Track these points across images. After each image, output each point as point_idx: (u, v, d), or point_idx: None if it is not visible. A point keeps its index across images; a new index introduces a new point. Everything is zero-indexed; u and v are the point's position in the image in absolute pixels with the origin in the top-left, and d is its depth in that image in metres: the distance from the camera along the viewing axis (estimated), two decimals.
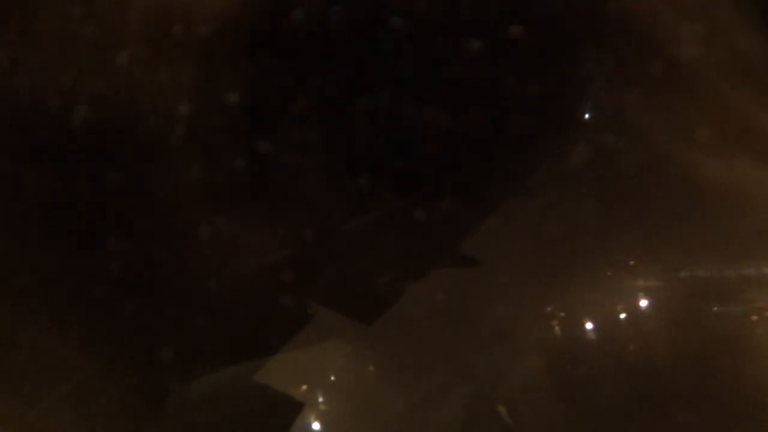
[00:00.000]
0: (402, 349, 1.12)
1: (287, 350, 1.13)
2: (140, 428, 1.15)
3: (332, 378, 1.13)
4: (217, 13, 1.12)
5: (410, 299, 1.12)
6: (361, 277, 1.14)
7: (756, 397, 1.05)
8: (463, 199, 1.13)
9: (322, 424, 1.12)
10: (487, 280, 1.13)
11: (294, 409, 1.11)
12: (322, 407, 1.12)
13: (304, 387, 1.12)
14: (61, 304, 1.15)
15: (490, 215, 1.13)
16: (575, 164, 1.12)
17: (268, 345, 1.13)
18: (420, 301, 1.12)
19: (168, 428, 1.14)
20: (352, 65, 1.13)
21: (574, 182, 1.12)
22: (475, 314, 1.11)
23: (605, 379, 1.07)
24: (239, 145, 1.14)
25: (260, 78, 1.14)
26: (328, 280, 1.14)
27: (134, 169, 1.14)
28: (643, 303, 1.09)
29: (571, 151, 1.12)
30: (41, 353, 1.14)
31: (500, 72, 1.11)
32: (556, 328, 1.08)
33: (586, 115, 1.12)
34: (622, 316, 1.08)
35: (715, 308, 1.08)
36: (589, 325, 1.08)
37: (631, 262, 1.09)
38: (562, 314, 1.09)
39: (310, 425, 1.11)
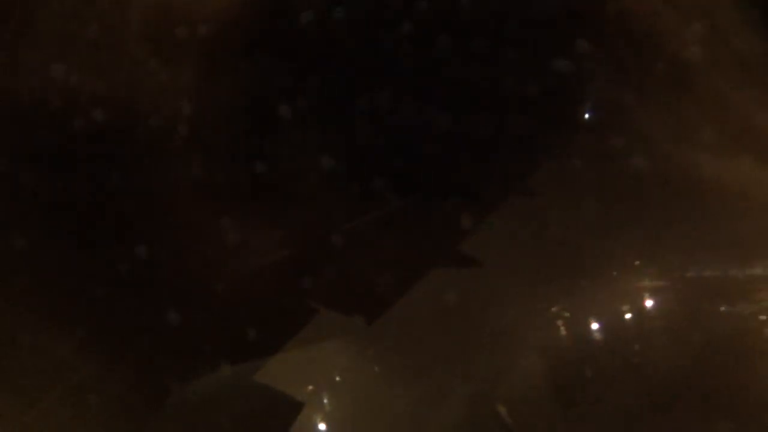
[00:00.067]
0: (402, 349, 1.12)
1: (287, 350, 1.13)
2: (140, 428, 1.15)
3: (332, 378, 1.13)
4: (217, 13, 1.12)
5: (410, 299, 1.12)
6: (361, 277, 1.14)
7: (766, 397, 1.05)
8: (463, 199, 1.13)
9: (323, 423, 1.12)
10: (488, 280, 1.13)
11: (294, 409, 1.11)
12: (322, 407, 1.12)
13: (310, 387, 1.12)
14: (61, 304, 1.15)
15: (490, 215, 1.13)
16: (575, 164, 1.12)
17: (268, 345, 1.13)
18: (420, 301, 1.12)
19: (168, 428, 1.14)
20: (352, 65, 1.13)
21: (575, 182, 1.12)
22: (475, 314, 1.11)
23: (610, 379, 1.07)
24: (239, 145, 1.14)
25: (260, 78, 1.14)
26: (328, 280, 1.14)
27: (134, 169, 1.14)
28: (649, 303, 1.09)
29: (571, 151, 1.12)
30: (41, 353, 1.14)
31: (500, 72, 1.11)
32: (562, 328, 1.08)
33: (586, 115, 1.12)
34: (628, 316, 1.08)
35: (722, 308, 1.08)
36: (594, 326, 1.08)
37: (636, 263, 1.09)
38: (567, 315, 1.09)
39: (310, 425, 1.11)
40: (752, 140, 1.11)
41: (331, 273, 1.15)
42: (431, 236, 1.14)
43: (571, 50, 1.11)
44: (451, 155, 1.13)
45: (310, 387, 1.13)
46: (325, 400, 1.12)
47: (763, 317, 1.07)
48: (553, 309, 1.09)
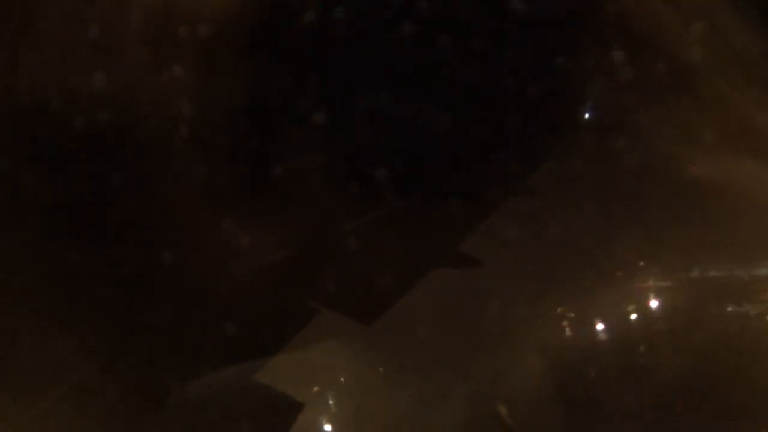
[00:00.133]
0: (402, 349, 1.12)
1: (287, 350, 1.13)
2: (140, 428, 1.15)
3: (332, 378, 1.13)
4: (217, 14, 1.12)
5: (410, 299, 1.12)
6: (361, 277, 1.14)
7: None
8: (463, 199, 1.13)
9: (323, 424, 1.12)
10: (488, 280, 1.13)
11: (294, 409, 1.11)
12: (322, 407, 1.12)
13: (312, 387, 1.12)
14: (61, 304, 1.15)
15: (490, 215, 1.13)
16: (575, 164, 1.12)
17: (268, 345, 1.13)
18: (420, 301, 1.12)
19: (168, 428, 1.14)
20: (352, 65, 1.13)
21: (575, 182, 1.12)
22: (475, 314, 1.11)
23: (613, 380, 1.07)
24: (239, 145, 1.14)
25: (260, 78, 1.14)
26: (328, 280, 1.14)
27: (135, 169, 1.14)
28: (654, 304, 1.08)
29: (572, 151, 1.12)
30: (41, 353, 1.14)
31: (500, 72, 1.11)
32: (567, 329, 1.08)
33: (586, 115, 1.12)
34: (633, 316, 1.08)
35: (729, 308, 1.08)
36: (600, 326, 1.08)
37: (641, 263, 1.09)
38: (573, 315, 1.09)
39: (310, 425, 1.11)
40: (752, 140, 1.11)
41: (331, 273, 1.15)
42: (431, 236, 1.14)
43: (571, 50, 1.11)
44: (451, 155, 1.13)
45: (311, 387, 1.13)
46: (325, 400, 1.12)
47: None
48: (559, 309, 1.09)
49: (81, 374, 1.14)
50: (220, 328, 1.13)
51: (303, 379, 1.13)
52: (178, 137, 1.13)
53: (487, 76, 1.12)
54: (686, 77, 1.11)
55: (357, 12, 1.11)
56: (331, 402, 1.12)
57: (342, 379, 1.13)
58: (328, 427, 1.12)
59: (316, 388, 1.12)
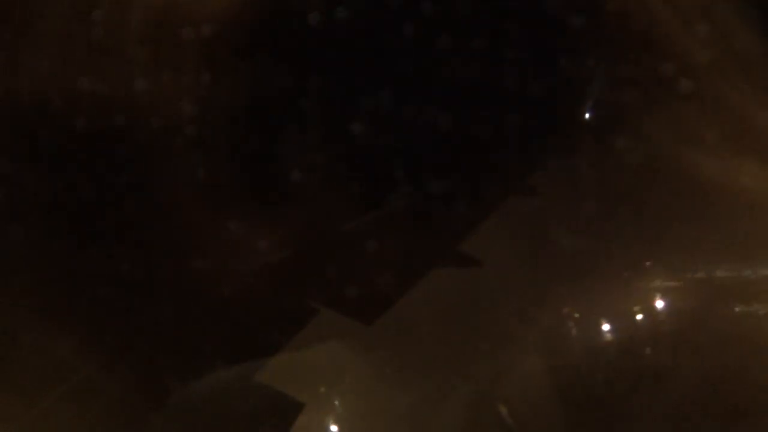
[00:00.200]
0: (402, 349, 1.12)
1: (287, 350, 1.13)
2: (140, 428, 1.15)
3: (332, 378, 1.13)
4: (217, 14, 1.12)
5: (410, 299, 1.12)
6: (361, 277, 1.14)
7: None
8: (463, 199, 1.13)
9: (323, 423, 1.12)
10: (488, 280, 1.13)
11: (294, 409, 1.11)
12: (323, 407, 1.12)
13: (313, 388, 1.12)
14: (61, 304, 1.15)
15: (490, 215, 1.13)
16: (575, 164, 1.12)
17: (268, 345, 1.13)
18: (420, 301, 1.12)
19: (168, 428, 1.14)
20: (352, 65, 1.13)
21: (575, 182, 1.12)
22: (475, 314, 1.11)
23: (617, 381, 1.07)
24: (240, 145, 1.14)
25: (260, 78, 1.13)
26: (328, 280, 1.14)
27: (135, 169, 1.14)
28: (660, 304, 1.08)
29: (572, 151, 1.12)
30: (41, 353, 1.14)
31: (501, 72, 1.11)
32: (571, 329, 1.08)
33: (586, 115, 1.12)
34: (639, 317, 1.08)
35: (738, 309, 1.07)
36: (605, 327, 1.08)
37: (647, 263, 1.09)
38: (577, 315, 1.09)
39: (310, 425, 1.11)
40: (753, 140, 1.11)
41: (331, 273, 1.15)
42: (431, 236, 1.14)
43: (571, 50, 1.11)
44: (452, 155, 1.13)
45: (312, 387, 1.13)
46: (326, 400, 1.12)
47: None
48: (564, 310, 1.09)
49: (81, 374, 1.14)
50: (220, 328, 1.13)
51: (303, 379, 1.13)
52: (178, 137, 1.12)
53: (487, 76, 1.12)
54: (686, 77, 1.11)
55: (357, 12, 1.11)
56: (331, 402, 1.12)
57: (342, 379, 1.13)
58: (328, 427, 1.12)
59: (316, 388, 1.12)
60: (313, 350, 1.13)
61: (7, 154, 1.15)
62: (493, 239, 1.12)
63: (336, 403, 1.12)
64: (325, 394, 1.12)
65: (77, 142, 1.13)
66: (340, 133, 1.14)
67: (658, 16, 1.12)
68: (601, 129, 1.12)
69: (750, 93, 1.12)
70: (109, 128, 1.12)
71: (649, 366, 1.07)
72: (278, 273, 1.14)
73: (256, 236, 1.14)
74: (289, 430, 1.11)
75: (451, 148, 1.13)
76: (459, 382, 1.10)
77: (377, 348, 1.13)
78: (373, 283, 1.13)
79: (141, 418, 1.14)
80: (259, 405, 1.12)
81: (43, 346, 1.14)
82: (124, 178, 1.13)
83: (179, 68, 1.13)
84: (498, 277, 1.12)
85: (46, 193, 1.16)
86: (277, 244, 1.15)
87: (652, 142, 1.11)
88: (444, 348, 1.11)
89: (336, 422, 1.12)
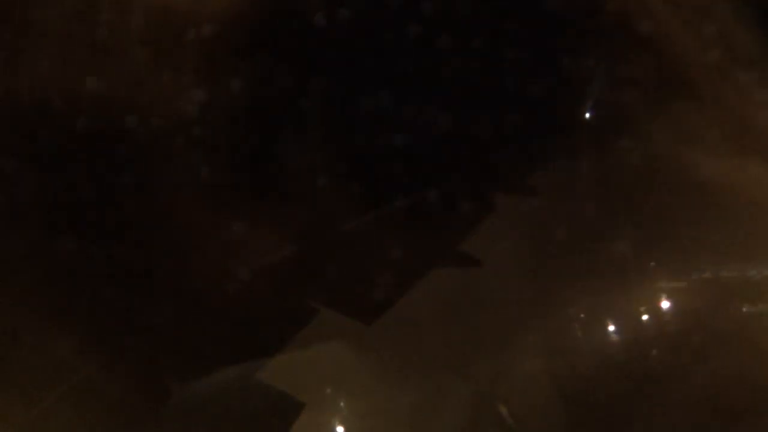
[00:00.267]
0: (402, 349, 1.12)
1: (287, 350, 1.13)
2: (140, 428, 1.15)
3: (332, 378, 1.13)
4: (217, 14, 1.12)
5: (410, 299, 1.12)
6: (361, 277, 1.14)
7: None
8: (463, 199, 1.13)
9: (323, 423, 1.12)
10: (488, 280, 1.13)
11: (295, 409, 1.11)
12: (323, 407, 1.12)
13: (316, 388, 1.12)
14: (61, 304, 1.15)
15: (490, 215, 1.13)
16: (575, 164, 1.12)
17: (268, 345, 1.13)
18: (420, 301, 1.12)
19: (168, 428, 1.14)
20: (352, 66, 1.14)
21: (575, 182, 1.12)
22: (475, 314, 1.11)
23: (620, 381, 1.07)
24: (240, 145, 1.14)
25: (260, 78, 1.14)
26: (329, 280, 1.14)
27: (135, 169, 1.14)
28: (666, 305, 1.08)
29: (572, 151, 1.12)
30: (41, 353, 1.14)
31: (501, 72, 1.12)
32: (575, 329, 1.08)
33: (587, 115, 1.12)
34: (644, 318, 1.08)
35: (744, 309, 1.07)
36: (611, 327, 1.08)
37: (652, 264, 1.09)
38: (582, 316, 1.09)
39: (310, 425, 1.11)
40: (753, 140, 1.11)
41: (331, 273, 1.15)
42: (431, 236, 1.14)
43: (571, 50, 1.11)
44: (452, 155, 1.13)
45: (312, 387, 1.13)
46: (326, 400, 1.12)
47: None
48: (568, 310, 1.09)
49: (81, 374, 1.14)
50: (220, 328, 1.13)
51: (303, 379, 1.13)
52: (179, 137, 1.13)
53: (487, 76, 1.12)
54: (687, 77, 1.11)
55: (358, 12, 1.11)
56: (331, 402, 1.12)
57: (342, 379, 1.13)
58: (328, 426, 1.12)
59: (316, 388, 1.12)
60: (313, 350, 1.13)
61: (8, 154, 1.15)
62: (493, 239, 1.12)
63: (336, 403, 1.12)
64: (325, 394, 1.12)
65: (78, 142, 1.13)
66: (340, 133, 1.14)
67: (658, 16, 1.12)
68: (601, 129, 1.12)
69: (750, 93, 1.12)
70: (110, 128, 1.12)
71: (653, 367, 1.07)
72: (279, 273, 1.14)
73: (257, 236, 1.14)
74: (289, 429, 1.11)
75: (451, 148, 1.13)
76: (459, 382, 1.10)
77: (377, 348, 1.13)
78: (373, 283, 1.13)
79: (141, 418, 1.14)
80: (259, 405, 1.12)
81: (43, 346, 1.14)
82: (124, 178, 1.13)
83: (179, 68, 1.13)
84: (498, 277, 1.12)
85: (46, 193, 1.15)
86: (277, 244, 1.15)
87: (652, 142, 1.11)
88: (444, 348, 1.11)
89: (336, 422, 1.12)
